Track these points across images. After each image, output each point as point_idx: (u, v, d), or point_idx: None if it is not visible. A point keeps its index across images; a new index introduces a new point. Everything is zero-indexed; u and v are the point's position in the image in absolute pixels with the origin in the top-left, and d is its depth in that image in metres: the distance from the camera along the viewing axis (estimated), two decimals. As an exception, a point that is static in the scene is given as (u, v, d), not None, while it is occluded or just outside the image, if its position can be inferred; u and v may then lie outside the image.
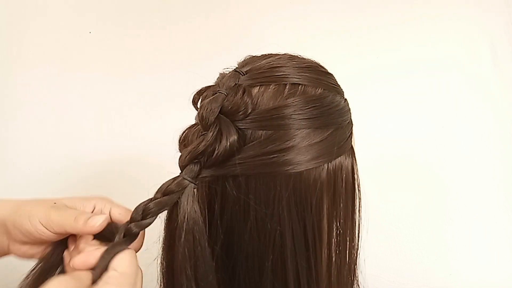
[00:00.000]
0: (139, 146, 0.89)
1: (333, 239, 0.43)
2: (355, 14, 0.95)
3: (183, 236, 0.37)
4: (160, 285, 0.43)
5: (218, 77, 0.45)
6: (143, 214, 0.37)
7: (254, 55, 0.45)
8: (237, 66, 0.44)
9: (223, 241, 0.39)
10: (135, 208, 0.38)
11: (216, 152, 0.37)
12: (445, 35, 0.94)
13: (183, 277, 0.37)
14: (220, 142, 0.37)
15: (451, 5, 0.94)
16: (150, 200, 0.38)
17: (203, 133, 0.38)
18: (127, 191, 0.84)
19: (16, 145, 0.85)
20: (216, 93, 0.39)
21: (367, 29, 0.94)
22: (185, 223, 0.37)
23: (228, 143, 0.37)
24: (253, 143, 0.38)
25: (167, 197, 0.37)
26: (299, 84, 0.40)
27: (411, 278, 0.92)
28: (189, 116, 0.45)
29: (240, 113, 0.38)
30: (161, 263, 0.42)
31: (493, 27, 0.94)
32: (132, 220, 0.37)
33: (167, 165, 0.42)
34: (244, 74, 0.42)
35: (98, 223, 0.39)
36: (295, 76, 0.41)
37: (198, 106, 0.44)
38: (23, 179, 0.85)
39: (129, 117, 0.89)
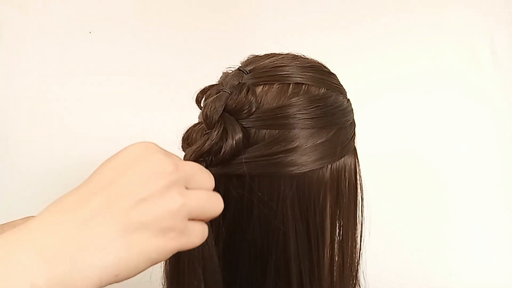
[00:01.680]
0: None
1: (335, 239, 0.43)
2: (355, 14, 0.95)
3: None
4: (164, 286, 0.42)
5: (222, 76, 0.45)
6: None
7: (257, 54, 0.45)
8: (240, 65, 0.44)
9: (225, 240, 0.39)
10: None
11: (223, 150, 0.37)
12: (445, 35, 0.94)
13: (192, 277, 0.36)
14: (226, 140, 0.37)
15: (451, 5, 0.95)
16: None
17: (207, 131, 0.38)
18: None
19: (16, 145, 0.85)
20: (219, 92, 0.39)
21: (367, 29, 0.94)
22: None
23: (234, 141, 0.37)
24: (257, 143, 0.38)
25: None
26: (303, 83, 0.41)
27: (411, 278, 0.92)
28: (190, 117, 0.45)
29: (244, 111, 0.38)
30: (165, 265, 0.42)
31: (493, 27, 0.94)
32: None
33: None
34: (247, 73, 0.42)
35: None
36: (299, 76, 0.41)
37: (202, 105, 0.44)
38: (23, 179, 0.85)
39: (130, 117, 0.89)
